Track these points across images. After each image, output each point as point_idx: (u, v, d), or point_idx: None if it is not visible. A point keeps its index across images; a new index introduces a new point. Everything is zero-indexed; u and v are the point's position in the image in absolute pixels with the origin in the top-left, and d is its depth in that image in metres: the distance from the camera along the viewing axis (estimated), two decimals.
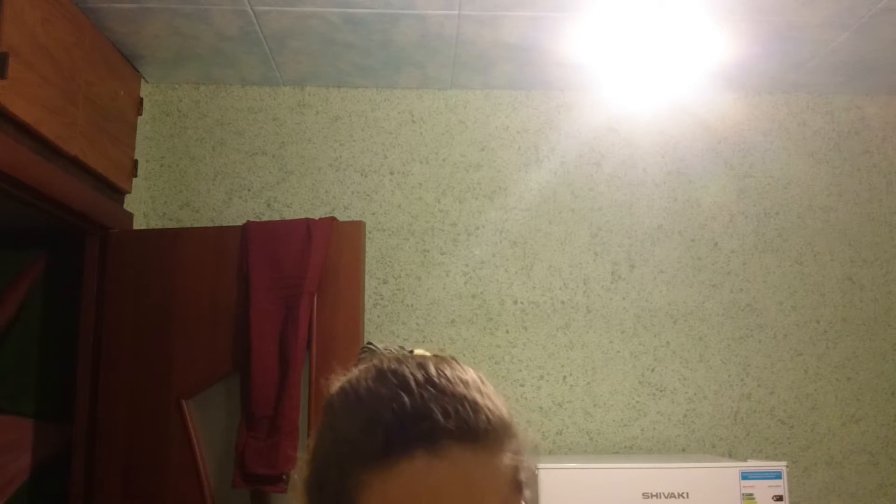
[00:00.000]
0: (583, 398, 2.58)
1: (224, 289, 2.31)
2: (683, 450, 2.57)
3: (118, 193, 2.46)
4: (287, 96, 2.73)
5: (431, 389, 0.62)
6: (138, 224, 2.55)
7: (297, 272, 2.26)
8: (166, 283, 2.33)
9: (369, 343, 0.75)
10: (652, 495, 1.96)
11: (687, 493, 1.96)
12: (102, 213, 2.33)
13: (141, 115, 2.60)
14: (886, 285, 2.69)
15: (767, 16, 2.24)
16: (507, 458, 0.61)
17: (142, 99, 2.61)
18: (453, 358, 0.68)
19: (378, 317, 2.58)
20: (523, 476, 0.63)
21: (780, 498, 1.98)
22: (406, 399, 0.61)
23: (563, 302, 2.63)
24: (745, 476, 2.00)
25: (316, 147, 2.70)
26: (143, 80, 2.65)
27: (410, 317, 2.60)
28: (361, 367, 0.69)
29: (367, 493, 0.59)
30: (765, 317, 2.65)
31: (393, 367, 0.66)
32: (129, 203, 2.53)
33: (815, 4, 2.18)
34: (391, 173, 2.69)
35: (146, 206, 2.63)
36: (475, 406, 0.61)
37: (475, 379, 0.65)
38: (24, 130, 1.89)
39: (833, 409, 2.61)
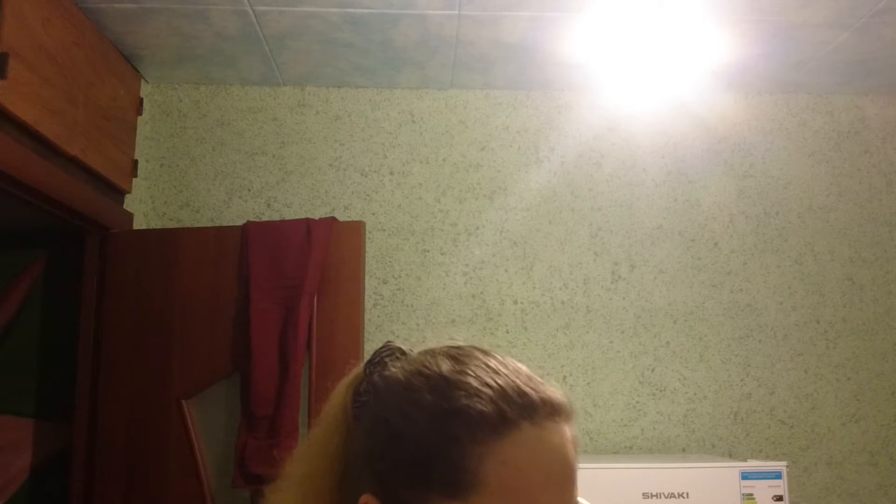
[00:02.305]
0: (583, 398, 2.58)
1: (224, 289, 2.31)
2: (683, 450, 2.57)
3: (118, 193, 2.46)
4: (287, 96, 2.73)
5: (506, 370, 0.69)
6: (138, 224, 2.55)
7: (297, 272, 2.26)
8: (166, 283, 2.33)
9: (389, 342, 0.77)
10: (652, 495, 1.96)
11: (687, 493, 1.96)
12: (102, 213, 2.33)
13: (141, 115, 2.60)
14: (886, 285, 2.69)
15: (767, 16, 2.24)
16: (574, 428, 0.69)
17: (142, 99, 2.61)
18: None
19: (378, 317, 2.58)
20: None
21: (780, 498, 1.98)
22: (497, 379, 0.67)
23: (563, 302, 2.63)
24: (745, 476, 2.00)
25: (316, 147, 2.70)
26: (143, 80, 2.65)
27: (410, 317, 2.60)
28: (417, 356, 0.73)
29: (487, 462, 0.62)
30: (765, 317, 2.65)
31: (457, 353, 0.72)
32: (129, 203, 2.53)
33: (815, 4, 2.18)
34: (391, 173, 2.69)
35: (146, 206, 2.63)
36: (544, 385, 0.69)
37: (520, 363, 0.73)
38: (24, 130, 1.89)
39: (833, 409, 2.61)
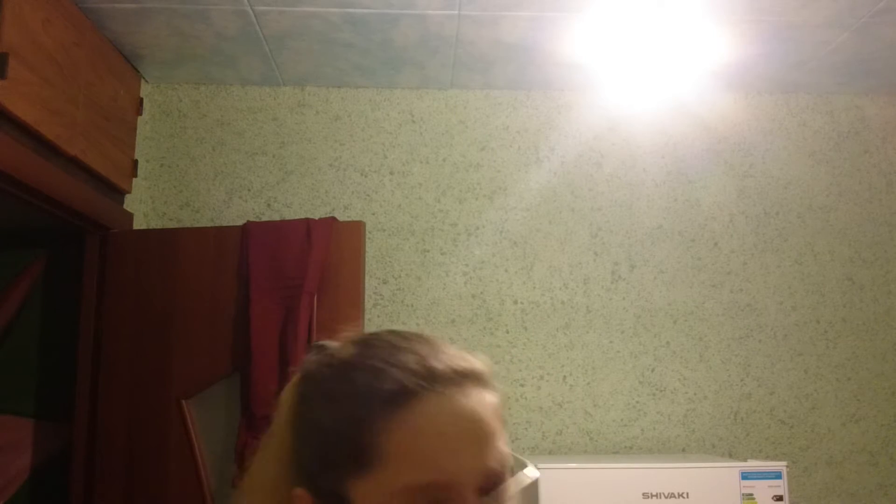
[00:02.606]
0: (583, 398, 2.58)
1: (224, 289, 2.31)
2: (683, 450, 2.57)
3: (118, 193, 2.46)
4: (287, 96, 2.73)
5: (413, 346, 0.69)
6: (138, 224, 2.55)
7: (297, 272, 2.26)
8: (166, 282, 2.33)
9: (318, 342, 0.78)
10: (652, 495, 1.96)
11: (687, 493, 1.96)
12: (102, 213, 2.33)
13: (141, 115, 2.60)
14: (886, 285, 2.69)
15: (767, 16, 2.24)
16: (492, 396, 0.70)
17: (142, 99, 2.61)
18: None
19: (378, 317, 2.58)
20: (503, 415, 0.71)
21: (780, 498, 1.98)
22: (400, 355, 0.68)
23: (563, 302, 2.63)
24: (745, 476, 2.00)
25: (316, 147, 2.70)
26: (143, 80, 2.65)
27: (410, 317, 2.60)
28: (332, 348, 0.74)
29: (389, 435, 0.64)
30: (765, 317, 2.65)
31: (366, 338, 0.72)
32: (129, 203, 2.53)
33: (815, 4, 2.18)
34: (391, 173, 2.69)
35: (146, 206, 2.63)
36: (459, 356, 0.70)
37: (441, 340, 0.73)
38: (24, 130, 1.89)
39: (833, 409, 2.61)
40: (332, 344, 0.75)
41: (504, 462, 0.67)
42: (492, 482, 0.66)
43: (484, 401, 0.68)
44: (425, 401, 0.65)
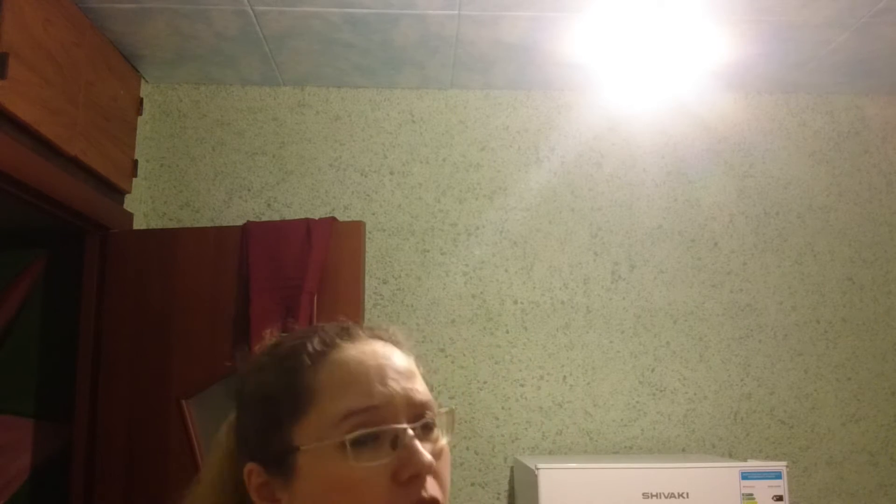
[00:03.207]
0: (583, 398, 2.58)
1: (224, 289, 2.31)
2: (683, 450, 2.57)
3: (118, 193, 2.46)
4: (287, 96, 2.73)
5: (332, 323, 0.79)
6: (138, 224, 2.55)
7: (297, 272, 2.26)
8: (166, 283, 2.33)
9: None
10: (652, 495, 1.96)
11: (687, 493, 1.96)
12: (102, 213, 2.33)
13: (141, 115, 2.60)
14: (886, 285, 2.69)
15: (767, 16, 2.24)
16: (407, 351, 0.79)
17: (142, 99, 2.61)
18: None
19: (378, 317, 2.58)
20: (424, 372, 0.79)
21: (780, 498, 1.98)
22: (318, 329, 0.78)
23: (563, 302, 2.63)
24: (745, 476, 2.00)
25: (316, 147, 2.70)
26: (143, 80, 2.65)
27: (410, 317, 2.60)
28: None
29: (319, 376, 0.72)
30: (765, 317, 2.65)
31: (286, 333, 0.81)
32: (129, 203, 2.53)
33: (815, 4, 2.18)
34: (391, 173, 2.69)
35: (146, 206, 2.63)
36: (375, 325, 0.80)
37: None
38: (24, 130, 1.89)
39: (833, 409, 2.61)
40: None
41: (427, 398, 0.74)
42: (419, 413, 0.72)
43: (399, 352, 0.77)
44: (346, 348, 0.74)
